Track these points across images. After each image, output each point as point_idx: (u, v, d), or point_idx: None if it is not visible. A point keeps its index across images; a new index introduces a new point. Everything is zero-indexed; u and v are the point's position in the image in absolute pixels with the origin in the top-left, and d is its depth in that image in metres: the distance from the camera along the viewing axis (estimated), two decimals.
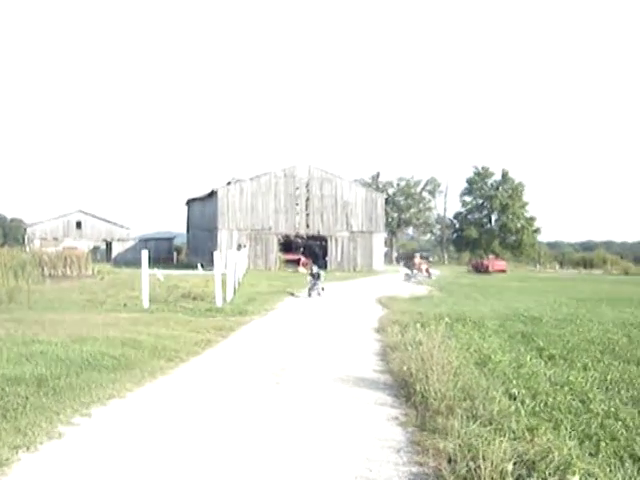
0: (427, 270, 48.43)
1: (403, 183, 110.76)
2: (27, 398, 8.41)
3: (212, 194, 62.11)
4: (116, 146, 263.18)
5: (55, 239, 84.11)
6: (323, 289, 28.53)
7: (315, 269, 29.69)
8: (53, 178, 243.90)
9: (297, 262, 60.44)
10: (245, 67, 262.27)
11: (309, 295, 28.11)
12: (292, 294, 29.30)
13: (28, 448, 6.73)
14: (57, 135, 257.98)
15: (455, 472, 5.87)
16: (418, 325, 14.57)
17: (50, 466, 6.31)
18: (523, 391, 8.90)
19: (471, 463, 5.91)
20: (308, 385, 10.24)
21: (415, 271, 47.09)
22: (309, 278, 29.37)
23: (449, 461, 6.20)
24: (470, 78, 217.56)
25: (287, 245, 62.97)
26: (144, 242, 72.92)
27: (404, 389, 9.51)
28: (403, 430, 7.76)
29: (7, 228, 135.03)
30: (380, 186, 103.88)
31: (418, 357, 10.16)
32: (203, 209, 67.86)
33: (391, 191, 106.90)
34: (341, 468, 6.39)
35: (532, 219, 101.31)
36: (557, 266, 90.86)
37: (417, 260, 51.03)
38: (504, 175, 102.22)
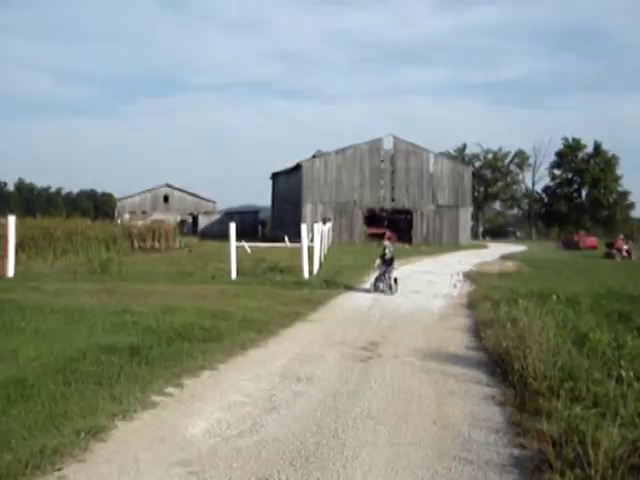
0: (628, 251, 45.90)
1: (490, 156, 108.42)
2: (121, 367, 8.51)
3: (297, 168, 62.30)
4: (201, 120, 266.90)
5: (144, 213, 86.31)
6: (396, 281, 19.40)
7: (388, 250, 19.86)
8: (142, 153, 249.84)
9: (382, 236, 59.97)
10: (340, 41, 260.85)
11: (374, 289, 19.20)
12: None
13: (124, 416, 6.78)
14: (146, 109, 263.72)
15: (562, 457, 5.55)
16: (511, 302, 14.28)
17: (144, 436, 6.33)
18: (630, 373, 8.42)
19: (579, 448, 5.57)
20: (399, 360, 10.02)
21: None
22: (377, 262, 19.88)
23: (554, 445, 5.87)
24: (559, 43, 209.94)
25: (372, 219, 62.56)
26: (229, 215, 73.90)
27: (500, 367, 9.16)
28: (501, 410, 7.45)
29: (98, 202, 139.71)
30: (466, 159, 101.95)
31: (514, 334, 9.80)
32: (288, 183, 68.18)
33: (477, 164, 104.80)
34: (438, 448, 6.16)
35: (626, 193, 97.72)
36: None
37: (619, 241, 48.08)
38: (596, 147, 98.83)
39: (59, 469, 5.39)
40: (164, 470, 5.50)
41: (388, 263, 19.56)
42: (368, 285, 19.91)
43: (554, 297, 12.39)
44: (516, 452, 6.07)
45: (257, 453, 5.93)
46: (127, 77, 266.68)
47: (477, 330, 12.76)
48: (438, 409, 7.49)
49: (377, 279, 19.50)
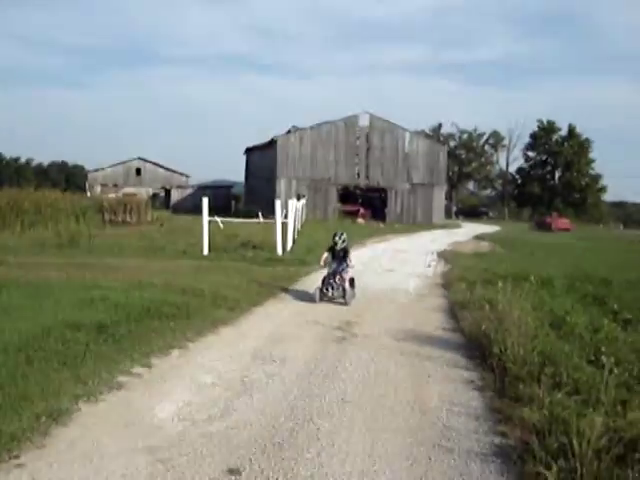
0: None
1: (465, 136, 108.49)
2: (87, 345, 8.16)
3: (272, 143, 61.68)
4: (175, 93, 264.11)
5: (115, 186, 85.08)
6: (353, 283, 13.83)
7: (340, 240, 13.99)
8: (114, 125, 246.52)
9: (356, 213, 59.87)
10: (316, 16, 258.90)
11: (321, 296, 13.32)
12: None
13: (88, 398, 6.48)
14: (116, 81, 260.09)
15: (545, 447, 5.34)
16: (486, 283, 14.15)
17: (108, 419, 6.03)
18: (610, 359, 8.25)
19: (562, 438, 5.38)
20: (375, 341, 9.81)
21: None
22: (325, 256, 14.17)
23: (536, 434, 5.67)
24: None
25: (346, 196, 62.26)
26: (202, 190, 73.03)
27: (478, 350, 8.99)
28: (480, 395, 7.26)
29: (69, 174, 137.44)
30: (441, 139, 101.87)
31: (492, 317, 9.61)
32: (262, 158, 67.53)
33: (452, 144, 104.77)
34: (417, 435, 5.94)
35: (598, 177, 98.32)
36: (621, 226, 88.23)
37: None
38: (570, 130, 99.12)
39: (16, 456, 5.06)
40: (129, 457, 5.20)
41: (340, 258, 13.76)
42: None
43: (532, 279, 12.18)
44: (497, 440, 5.87)
45: (228, 439, 5.67)
46: (97, 47, 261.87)
47: (453, 311, 12.61)
48: (415, 393, 7.28)
49: (325, 281, 13.41)
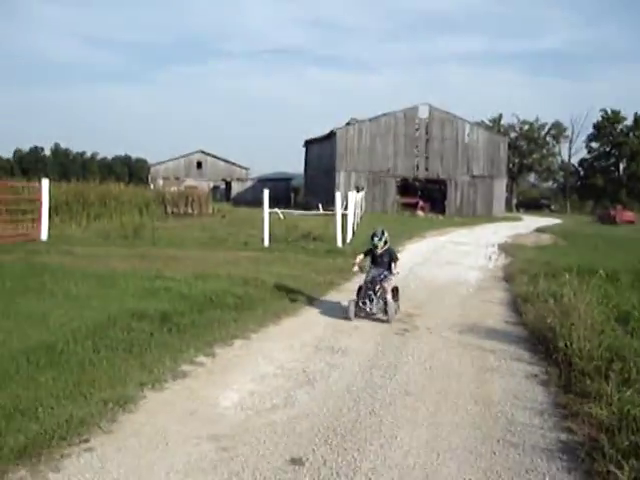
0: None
1: (526, 127, 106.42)
2: (152, 334, 8.32)
3: (331, 135, 61.71)
4: (235, 87, 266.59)
5: (177, 179, 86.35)
6: (396, 294, 11.16)
7: (381, 241, 11.05)
8: (176, 120, 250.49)
9: (415, 206, 59.48)
10: (374, 8, 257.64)
11: (356, 310, 10.60)
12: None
13: (153, 386, 6.58)
14: (178, 76, 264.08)
15: (615, 445, 5.20)
16: (549, 276, 13.86)
17: (173, 407, 6.12)
18: None
19: (633, 437, 5.23)
20: (437, 334, 9.71)
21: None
22: (360, 258, 11.51)
23: (605, 431, 5.52)
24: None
25: (405, 188, 61.90)
26: (262, 182, 73.55)
27: (542, 344, 8.80)
28: (545, 390, 7.11)
29: (132, 168, 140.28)
30: (502, 130, 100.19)
31: (557, 310, 9.41)
32: (321, 150, 67.63)
33: (513, 135, 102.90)
34: (481, 429, 5.85)
35: None
36: None
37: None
38: (636, 120, 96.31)
39: (86, 440, 5.19)
40: (194, 445, 5.27)
41: (382, 263, 10.96)
42: (402, 254, 14.24)
43: (601, 272, 11.83)
44: (564, 437, 5.73)
45: (291, 429, 5.69)
46: (159, 44, 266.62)
47: (515, 304, 12.39)
48: (479, 387, 7.17)
49: (362, 292, 10.68)
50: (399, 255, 11.61)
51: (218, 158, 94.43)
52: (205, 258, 16.83)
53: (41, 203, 20.61)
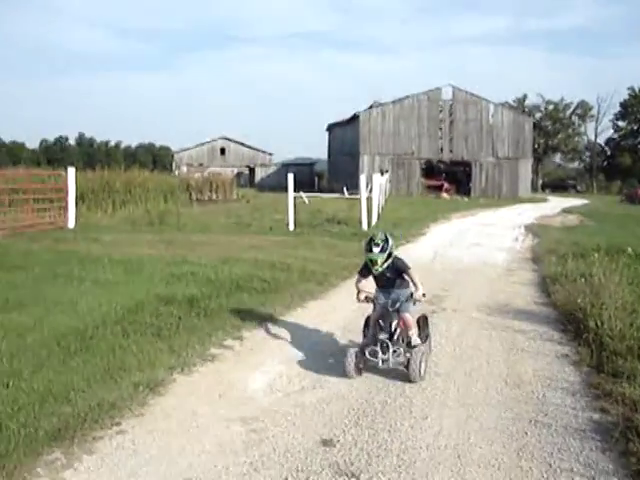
0: None
1: (551, 107, 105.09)
2: (180, 318, 8.36)
3: (354, 119, 61.48)
4: (257, 72, 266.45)
5: (201, 165, 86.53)
6: (425, 324, 7.30)
7: (379, 248, 6.62)
8: (198, 106, 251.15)
9: (440, 188, 59.11)
10: None
11: (357, 363, 6.56)
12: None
13: (182, 370, 6.61)
14: (200, 63, 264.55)
15: None
16: (578, 256, 13.71)
17: (202, 390, 6.14)
18: None
19: None
20: (465, 315, 9.65)
21: None
22: (361, 283, 7.13)
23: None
24: None
25: (429, 170, 61.53)
26: (286, 167, 73.56)
27: (572, 324, 8.69)
28: (577, 370, 7.01)
29: (156, 155, 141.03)
30: (526, 110, 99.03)
31: (587, 290, 9.30)
32: (344, 134, 67.39)
33: (538, 115, 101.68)
34: (512, 410, 5.80)
35: None
36: None
37: None
38: None
39: (117, 423, 5.23)
40: (224, 427, 5.28)
41: (388, 281, 7.00)
42: (429, 237, 14.11)
43: (630, 251, 11.67)
44: (596, 416, 5.65)
45: (321, 411, 5.68)
46: (180, 31, 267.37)
47: (544, 285, 12.25)
48: (509, 367, 7.11)
49: (369, 336, 6.96)
50: (424, 240, 11.38)
51: (241, 144, 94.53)
52: (231, 243, 16.87)
53: (67, 191, 20.77)
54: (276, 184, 57.90)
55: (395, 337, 6.60)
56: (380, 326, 6.70)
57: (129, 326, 7.83)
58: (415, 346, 6.64)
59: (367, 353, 6.50)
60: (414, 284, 6.87)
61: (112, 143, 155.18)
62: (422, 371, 6.52)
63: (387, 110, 60.26)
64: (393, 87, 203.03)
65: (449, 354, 7.60)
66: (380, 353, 6.45)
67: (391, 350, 6.45)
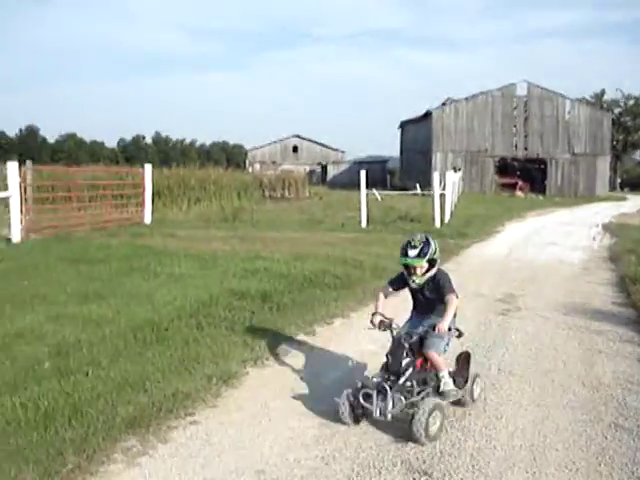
0: None
1: (631, 102, 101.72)
2: (253, 313, 8.45)
3: (426, 116, 60.89)
4: (328, 71, 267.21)
5: (273, 163, 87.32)
6: (467, 364, 5.80)
7: (420, 262, 5.42)
8: (271, 105, 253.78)
9: (514, 186, 57.99)
10: None
11: (353, 409, 5.17)
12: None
13: (255, 363, 6.67)
14: (273, 62, 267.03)
15: None
16: None
17: (275, 383, 6.18)
18: None
19: None
20: (540, 315, 9.41)
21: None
22: (380, 299, 5.85)
23: None
24: None
25: (503, 168, 60.40)
26: (358, 165, 73.50)
27: None
28: None
29: (230, 153, 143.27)
30: (605, 105, 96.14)
31: None
32: (417, 131, 66.84)
33: (617, 111, 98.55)
34: (590, 412, 5.62)
35: None
36: None
37: None
38: None
39: (191, 414, 5.32)
40: (296, 421, 5.30)
41: (428, 303, 5.72)
42: (503, 235, 14.75)
43: None
44: None
45: None
46: (254, 31, 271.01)
47: (623, 285, 11.86)
48: (586, 369, 6.90)
49: (382, 378, 5.18)
50: (499, 238, 11.16)
51: (314, 142, 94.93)
52: (303, 239, 16.96)
53: (144, 188, 21.25)
54: (348, 182, 57.91)
55: (403, 380, 5.14)
56: (387, 363, 5.27)
57: (203, 319, 7.95)
58: (444, 393, 5.36)
59: (360, 396, 5.08)
60: (446, 311, 5.28)
61: (187, 141, 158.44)
62: (433, 430, 4.96)
63: (460, 107, 59.47)
64: (466, 83, 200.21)
65: (524, 354, 7.43)
66: (376, 399, 5.02)
67: (389, 397, 4.97)
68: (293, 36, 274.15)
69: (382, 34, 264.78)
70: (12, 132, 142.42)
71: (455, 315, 5.42)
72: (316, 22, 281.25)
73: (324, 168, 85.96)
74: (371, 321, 5.58)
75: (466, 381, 5.65)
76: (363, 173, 22.30)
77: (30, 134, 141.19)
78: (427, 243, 5.48)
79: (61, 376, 5.78)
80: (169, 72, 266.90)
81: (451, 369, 5.67)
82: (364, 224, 21.35)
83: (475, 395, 5.79)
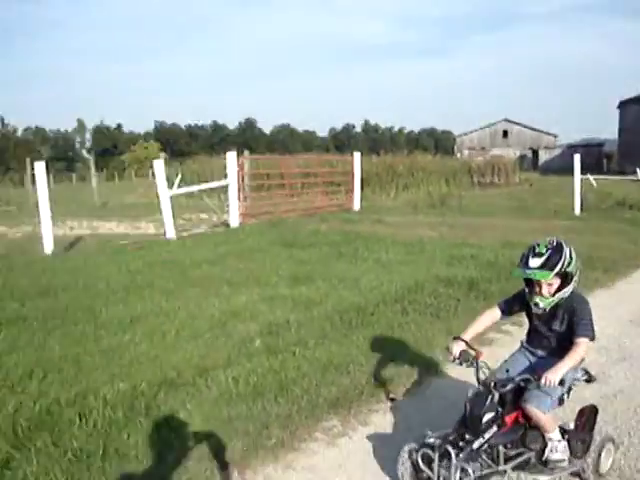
0: None
1: None
2: (458, 300, 8.36)
3: None
4: (538, 51, 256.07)
5: (482, 148, 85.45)
6: (593, 420, 4.15)
7: (548, 275, 3.68)
8: (479, 89, 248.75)
9: None
10: None
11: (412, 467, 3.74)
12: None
13: None
14: (478, 46, 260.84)
15: None
16: None
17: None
18: None
19: None
20: None
21: None
22: (459, 347, 4.15)
23: None
24: None
25: None
26: (571, 149, 69.95)
27: None
28: None
29: (438, 139, 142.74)
30: None
31: None
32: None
33: None
34: None
35: None
36: None
37: None
38: None
39: (393, 399, 5.37)
40: None
41: (551, 335, 4.01)
42: None
43: None
44: None
45: (602, 408, 5.28)
46: (457, 16, 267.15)
47: None
48: None
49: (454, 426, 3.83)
50: None
51: (524, 126, 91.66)
52: (512, 226, 16.48)
53: (353, 175, 21.71)
54: (561, 167, 55.30)
55: (479, 443, 3.67)
56: (465, 415, 3.85)
57: (408, 305, 8.00)
58: (549, 462, 3.88)
59: (419, 457, 3.71)
60: (568, 356, 3.68)
61: (396, 129, 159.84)
62: None
63: None
64: None
65: None
66: (437, 465, 3.62)
67: (454, 465, 3.52)
68: (499, 17, 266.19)
69: (594, 8, 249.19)
70: (232, 125, 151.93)
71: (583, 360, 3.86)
72: (519, 2, 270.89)
73: (535, 153, 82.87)
74: (448, 348, 4.21)
75: (588, 447, 4.05)
76: (577, 157, 21.21)
77: (249, 126, 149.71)
78: (557, 249, 3.77)
79: (270, 354, 6.09)
80: (376, 61, 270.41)
81: (570, 426, 4.16)
82: (577, 211, 20.30)
83: (603, 469, 4.12)
